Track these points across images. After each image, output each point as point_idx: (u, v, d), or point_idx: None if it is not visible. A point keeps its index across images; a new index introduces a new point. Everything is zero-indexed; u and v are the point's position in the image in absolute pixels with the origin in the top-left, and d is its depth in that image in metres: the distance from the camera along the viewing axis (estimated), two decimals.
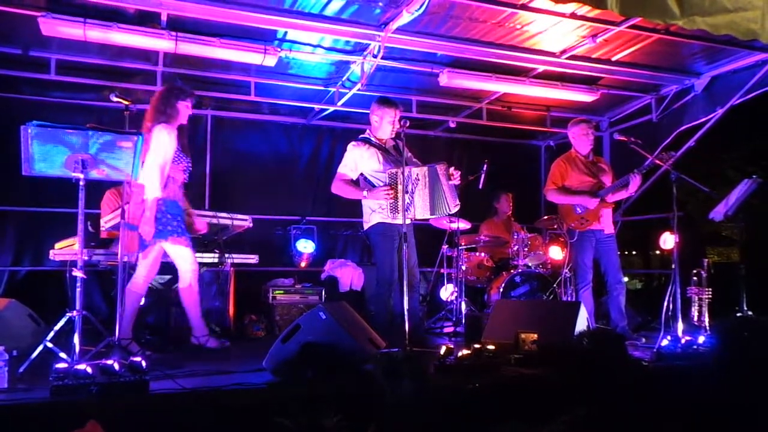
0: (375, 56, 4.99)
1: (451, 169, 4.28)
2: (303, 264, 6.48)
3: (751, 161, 13.33)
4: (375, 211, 4.34)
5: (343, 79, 5.76)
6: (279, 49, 5.05)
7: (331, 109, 6.32)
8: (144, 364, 2.67)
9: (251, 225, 5.05)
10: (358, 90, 5.65)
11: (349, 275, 6.00)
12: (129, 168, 3.28)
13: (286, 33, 4.89)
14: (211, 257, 4.91)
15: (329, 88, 6.01)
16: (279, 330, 5.09)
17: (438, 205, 4.27)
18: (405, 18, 4.38)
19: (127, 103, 3.60)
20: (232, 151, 6.70)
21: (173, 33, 4.70)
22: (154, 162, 3.79)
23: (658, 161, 4.65)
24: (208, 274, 5.06)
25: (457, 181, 4.32)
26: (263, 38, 4.97)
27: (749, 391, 3.21)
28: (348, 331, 3.17)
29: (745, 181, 4.78)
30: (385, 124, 4.34)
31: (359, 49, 5.15)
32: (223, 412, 2.74)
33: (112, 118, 5.04)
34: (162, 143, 3.82)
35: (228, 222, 4.78)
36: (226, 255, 4.90)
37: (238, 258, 5.06)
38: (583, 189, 4.99)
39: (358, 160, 4.34)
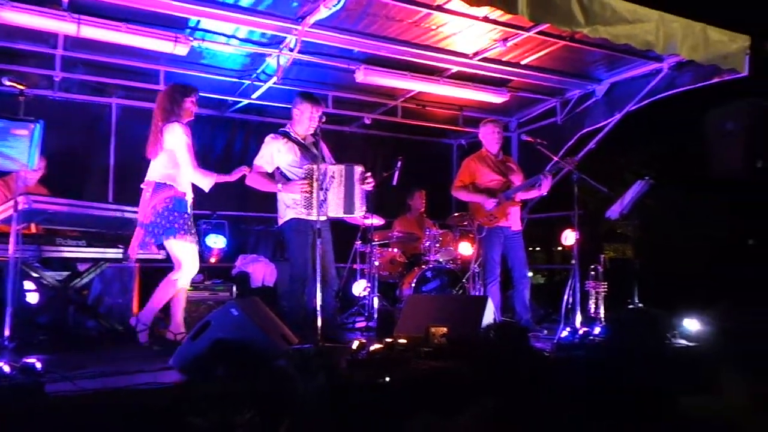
0: (291, 50, 4.94)
1: (367, 174, 4.34)
2: (213, 260, 6.31)
3: (647, 164, 14.29)
4: (289, 207, 4.33)
5: (258, 71, 5.65)
6: (191, 38, 4.88)
7: (246, 102, 6.20)
8: (39, 365, 2.51)
9: None
10: (274, 83, 5.57)
11: (261, 271, 5.91)
12: (24, 157, 3.08)
13: (199, 22, 4.73)
14: (114, 253, 4.68)
15: (244, 81, 5.88)
16: (187, 328, 4.93)
17: (350, 205, 4.32)
18: (322, 13, 4.36)
19: (21, 87, 3.37)
20: (140, 142, 6.36)
21: (75, 15, 4.42)
22: (186, 160, 3.89)
23: (561, 162, 4.90)
24: (111, 270, 4.83)
25: (369, 187, 4.39)
26: (175, 26, 4.78)
27: (639, 376, 3.45)
28: (260, 327, 3.13)
29: (639, 182, 5.11)
30: (304, 119, 4.33)
31: (275, 42, 5.07)
32: (128, 413, 2.63)
33: (5, 103, 4.69)
34: (181, 139, 3.87)
35: (134, 216, 4.57)
36: None
37: (143, 253, 4.84)
38: (492, 187, 5.17)
39: (275, 154, 4.31)
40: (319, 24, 4.60)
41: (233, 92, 6.16)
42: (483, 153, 5.32)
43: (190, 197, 4.06)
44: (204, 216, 6.37)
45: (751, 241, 5.10)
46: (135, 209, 4.61)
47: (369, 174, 4.38)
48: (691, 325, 4.58)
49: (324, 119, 4.18)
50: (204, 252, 6.27)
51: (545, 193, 5.19)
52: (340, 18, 4.58)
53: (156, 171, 3.97)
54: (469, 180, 5.24)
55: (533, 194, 5.24)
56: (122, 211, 4.53)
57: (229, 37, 4.99)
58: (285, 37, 4.87)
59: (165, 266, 5.44)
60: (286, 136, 4.36)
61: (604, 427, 3.06)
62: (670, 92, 5.51)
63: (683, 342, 4.44)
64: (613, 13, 4.20)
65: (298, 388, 2.84)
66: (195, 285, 5.37)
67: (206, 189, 4.02)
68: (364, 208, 4.43)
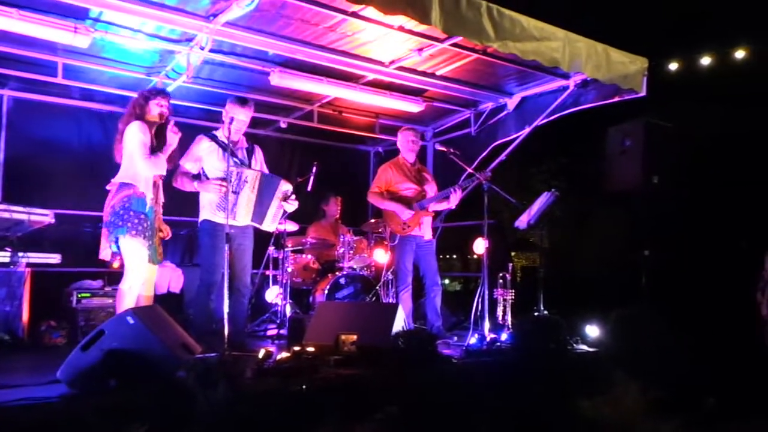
0: (202, 48, 4.77)
1: (292, 197, 4.41)
2: (116, 264, 5.93)
3: (556, 176, 14.96)
4: (204, 208, 4.31)
5: (168, 69, 5.43)
6: (93, 30, 4.61)
7: None
8: None
9: (53, 221, 4.56)
10: (184, 82, 5.37)
11: (167, 277, 5.66)
12: None
13: (101, 13, 4.47)
14: (1, 256, 4.34)
15: (152, 78, 5.63)
16: (83, 336, 4.63)
17: (260, 214, 4.29)
18: (235, 12, 4.25)
19: None
20: (34, 138, 5.96)
21: None
22: (138, 154, 3.86)
23: (474, 174, 5.01)
24: None
25: (291, 208, 4.44)
26: (75, 16, 4.50)
27: (542, 379, 3.57)
28: (159, 336, 2.98)
29: (546, 193, 5.30)
30: (229, 123, 4.27)
31: (186, 39, 4.89)
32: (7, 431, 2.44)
33: None
34: (135, 136, 3.88)
35: (23, 216, 4.27)
36: (21, 254, 4.37)
37: (36, 257, 4.53)
38: (407, 195, 5.21)
39: (201, 154, 4.29)
40: (231, 23, 4.47)
41: (140, 89, 5.87)
42: (399, 160, 5.36)
43: (149, 198, 3.95)
44: None
45: (646, 252, 5.39)
46: (25, 210, 4.32)
47: (294, 196, 4.43)
48: (592, 330, 4.80)
49: (233, 120, 4.13)
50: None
51: (454, 207, 5.27)
52: (254, 18, 4.48)
53: (121, 171, 3.97)
54: (385, 187, 5.26)
55: (443, 206, 5.33)
56: (10, 211, 4.21)
57: (135, 31, 4.75)
58: (195, 35, 4.70)
59: (58, 271, 5.14)
60: (214, 138, 4.33)
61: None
62: (576, 108, 5.76)
63: (584, 347, 4.64)
64: (522, 30, 4.34)
65: (198, 399, 2.73)
66: (93, 291, 5.09)
67: (163, 171, 4.01)
68: (276, 225, 4.44)
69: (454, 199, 5.13)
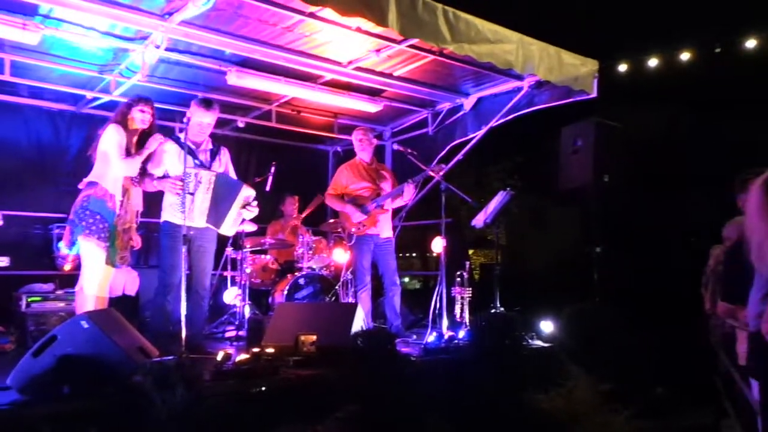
0: (158, 47, 4.69)
1: (254, 203, 4.42)
2: (68, 267, 5.80)
3: (511, 174, 15.25)
4: (165, 210, 4.31)
5: (122, 67, 5.32)
6: (43, 26, 4.48)
7: (107, 98, 5.80)
8: None
9: (1, 223, 4.43)
10: (138, 81, 5.26)
11: (121, 279, 5.51)
12: None
13: (52, 9, 4.35)
14: None
15: (105, 76, 5.50)
16: (34, 342, 4.51)
17: (216, 217, 4.27)
18: (191, 11, 4.19)
19: None
20: None
21: None
22: (114, 155, 3.92)
23: (431, 172, 5.07)
24: None
25: (250, 215, 4.46)
26: (23, 12, 4.37)
27: (498, 375, 3.66)
28: (114, 340, 2.94)
29: (501, 192, 5.41)
30: (193, 124, 4.29)
31: (140, 37, 4.80)
32: None
33: None
34: (112, 138, 3.94)
35: None
36: None
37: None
38: (362, 194, 5.25)
39: (164, 156, 4.26)
40: (187, 22, 4.41)
41: (93, 87, 5.76)
42: (356, 161, 5.40)
43: (117, 200, 3.98)
44: (58, 219, 5.86)
45: (598, 248, 5.55)
46: None
47: (255, 202, 4.43)
48: (546, 326, 4.93)
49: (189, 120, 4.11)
50: (57, 259, 5.78)
51: (409, 202, 5.31)
52: (211, 17, 4.43)
53: (92, 171, 4.01)
54: (342, 188, 5.29)
55: (399, 203, 5.37)
56: None
57: (87, 28, 4.63)
58: (150, 33, 4.62)
59: (7, 274, 4.99)
60: (176, 140, 4.31)
61: (460, 428, 3.20)
62: (530, 109, 5.89)
63: (539, 342, 4.76)
64: (477, 33, 4.43)
65: (156, 403, 2.70)
66: (44, 295, 4.96)
67: (134, 172, 4.06)
68: (233, 232, 4.43)
69: (408, 193, 5.14)
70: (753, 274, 2.56)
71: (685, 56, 7.15)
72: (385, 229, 5.29)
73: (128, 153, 4.03)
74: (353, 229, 5.18)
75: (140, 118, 4.11)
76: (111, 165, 3.95)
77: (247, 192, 4.36)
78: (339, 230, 5.97)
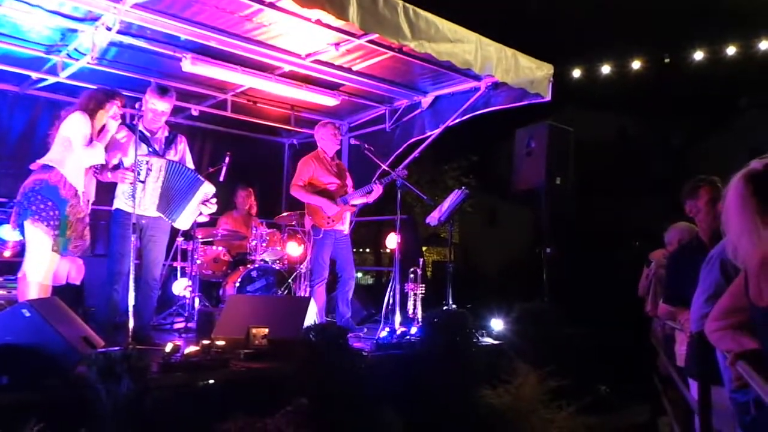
0: (109, 29, 4.54)
1: (213, 200, 4.38)
2: (8, 253, 5.57)
3: (467, 173, 15.46)
4: (118, 197, 4.26)
5: (70, 48, 5.12)
6: None
7: (53, 80, 5.58)
8: None
9: None
10: (87, 63, 5.08)
11: (65, 267, 5.33)
12: None
13: None
14: None
15: (51, 57, 5.29)
16: None
17: (168, 207, 4.19)
18: None
19: None
20: None
21: None
22: (78, 143, 3.81)
23: (392, 172, 5.10)
24: None
25: (207, 211, 4.42)
26: None
27: (449, 371, 3.71)
28: (57, 329, 2.84)
29: (456, 191, 5.48)
30: (149, 111, 4.22)
31: (91, 18, 4.63)
32: None
33: None
34: (77, 126, 3.82)
35: None
36: None
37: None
38: (330, 189, 5.23)
39: (119, 143, 4.17)
40: (141, 6, 4.29)
41: (38, 68, 5.53)
42: (320, 154, 5.36)
43: (78, 189, 3.87)
44: None
45: (548, 249, 5.68)
46: None
47: (214, 199, 4.40)
48: (496, 324, 5.02)
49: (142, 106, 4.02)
50: None
51: (371, 202, 5.35)
52: (166, 2, 4.32)
53: (48, 154, 3.87)
54: (308, 181, 5.25)
55: (362, 201, 5.39)
56: None
57: (33, 6, 4.44)
58: (102, 14, 4.47)
59: None
60: (131, 128, 4.18)
61: (410, 422, 3.23)
62: (486, 110, 5.97)
63: (489, 340, 4.84)
64: (437, 31, 4.46)
65: (100, 394, 2.63)
66: None
67: (101, 160, 3.96)
68: (188, 227, 4.43)
69: (374, 194, 5.21)
70: (696, 276, 2.67)
71: (636, 65, 7.40)
72: (346, 225, 5.33)
73: (90, 141, 3.90)
74: (324, 223, 5.13)
75: (113, 113, 4.00)
76: (73, 153, 3.81)
77: (207, 188, 4.30)
78: (293, 223, 5.95)
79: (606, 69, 6.85)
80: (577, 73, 6.81)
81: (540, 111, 5.85)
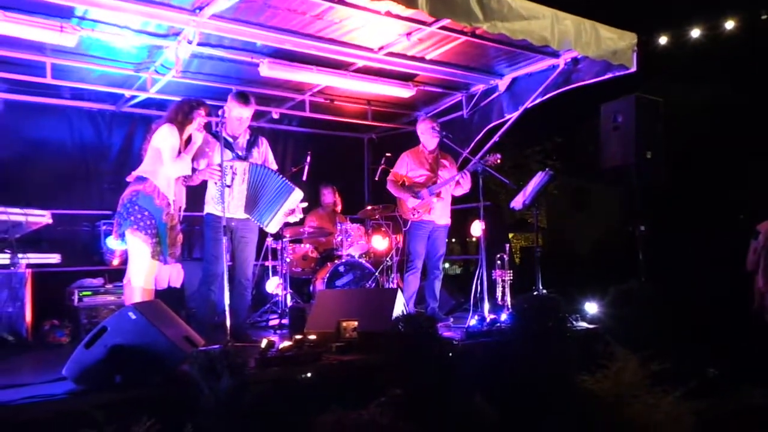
0: (190, 42, 4.75)
1: (299, 207, 4.45)
2: (116, 262, 5.98)
3: (551, 155, 15.00)
4: (208, 203, 4.41)
5: (156, 64, 5.41)
6: (79, 28, 4.59)
7: (144, 96, 5.92)
8: None
9: (51, 221, 4.57)
10: (173, 77, 5.34)
11: (166, 272, 5.65)
12: None
13: (87, 11, 4.45)
14: (1, 258, 4.36)
15: (141, 74, 5.61)
16: (87, 334, 4.67)
17: (256, 209, 4.34)
18: (221, 4, 4.24)
19: None
20: (26, 138, 5.94)
21: None
22: (167, 156, 3.98)
23: (479, 161, 5.04)
24: None
25: (295, 218, 4.50)
26: (60, 15, 4.48)
27: (542, 357, 3.60)
28: (161, 330, 3.00)
29: (540, 173, 5.32)
30: (232, 118, 4.34)
31: (173, 34, 4.86)
32: (16, 429, 2.47)
33: None
34: (166, 139, 3.99)
35: (21, 218, 4.29)
36: (20, 255, 4.38)
37: (36, 258, 4.55)
38: (419, 182, 5.29)
39: (206, 150, 4.33)
40: (218, 16, 4.45)
41: (130, 85, 5.87)
42: (419, 148, 5.42)
43: (169, 198, 4.04)
44: (104, 216, 6.04)
45: (642, 227, 5.41)
46: (22, 211, 4.33)
47: (302, 207, 4.51)
48: (590, 307, 4.84)
49: (224, 113, 4.16)
50: (105, 254, 5.96)
51: (467, 191, 5.30)
52: (241, 10, 4.46)
53: (141, 166, 4.05)
54: (401, 175, 5.34)
55: (459, 191, 5.36)
56: (7, 213, 4.22)
57: (121, 27, 4.72)
58: (182, 29, 4.68)
59: (58, 271, 5.16)
60: (215, 134, 4.35)
61: (505, 411, 3.17)
62: (568, 87, 5.74)
63: (583, 324, 4.68)
64: (509, 10, 4.33)
65: (203, 391, 2.76)
66: (94, 289, 5.12)
67: (187, 171, 4.12)
68: (277, 230, 4.62)
69: (465, 183, 5.19)
70: None
71: (729, 25, 6.86)
72: (441, 216, 5.31)
73: (179, 153, 4.07)
74: (410, 215, 5.20)
75: (199, 123, 4.16)
76: (163, 164, 4.00)
77: (297, 195, 4.38)
78: (377, 217, 6.06)
79: (695, 33, 6.40)
80: (663, 40, 6.41)
81: (627, 85, 5.56)
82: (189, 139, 4.19)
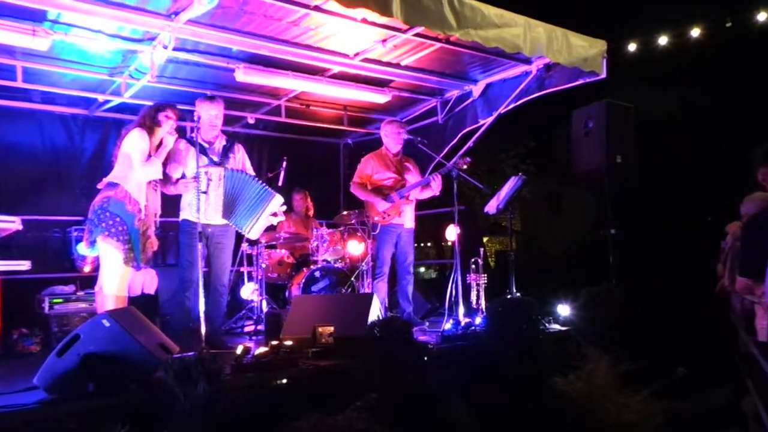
0: (165, 47, 4.72)
1: (281, 210, 4.45)
2: (87, 269, 5.89)
3: (524, 160, 15.15)
4: (184, 209, 4.40)
5: (131, 69, 5.36)
6: (52, 32, 4.53)
7: (118, 100, 5.86)
8: None
9: (21, 227, 4.49)
10: (148, 81, 5.30)
11: (140, 278, 5.58)
12: None
13: (60, 14, 4.40)
14: None
15: (115, 78, 5.56)
16: (58, 343, 4.59)
17: (234, 215, 4.32)
18: (197, 9, 4.22)
19: None
20: None
21: None
22: (137, 161, 3.96)
23: (449, 164, 5.08)
24: None
25: (276, 221, 4.52)
26: (32, 18, 4.42)
27: (516, 360, 3.66)
28: (135, 337, 2.98)
29: (513, 178, 5.40)
30: (204, 122, 4.34)
31: (148, 38, 4.83)
32: None
33: None
34: (135, 143, 3.98)
35: None
36: None
37: (5, 265, 4.46)
38: (386, 185, 5.29)
39: (181, 156, 4.33)
40: (194, 21, 4.44)
41: (104, 90, 5.81)
42: (382, 151, 5.43)
43: (141, 204, 4.01)
44: (75, 222, 5.95)
45: (613, 230, 5.51)
46: None
47: (284, 208, 4.50)
48: (563, 309, 4.92)
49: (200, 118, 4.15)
50: (76, 260, 5.86)
51: (438, 193, 5.33)
52: (217, 15, 4.46)
53: (112, 172, 4.04)
54: (366, 177, 5.33)
55: (427, 194, 5.39)
56: None
57: (95, 31, 4.67)
58: (158, 34, 4.66)
59: (28, 278, 5.07)
60: (189, 140, 4.35)
61: (481, 414, 3.21)
62: (540, 93, 5.84)
63: (556, 327, 4.76)
64: (483, 18, 4.41)
65: (178, 397, 2.75)
66: (66, 296, 5.05)
67: (158, 175, 4.10)
68: (259, 236, 4.62)
69: (436, 185, 5.19)
70: None
71: (695, 32, 7.03)
72: (408, 220, 5.33)
73: (149, 157, 4.06)
74: (377, 218, 5.21)
75: (169, 125, 4.14)
76: (134, 170, 3.98)
77: (278, 200, 4.40)
78: (352, 221, 6.03)
79: (663, 40, 6.54)
80: (632, 47, 6.54)
81: (597, 91, 5.67)
82: (161, 144, 4.17)
